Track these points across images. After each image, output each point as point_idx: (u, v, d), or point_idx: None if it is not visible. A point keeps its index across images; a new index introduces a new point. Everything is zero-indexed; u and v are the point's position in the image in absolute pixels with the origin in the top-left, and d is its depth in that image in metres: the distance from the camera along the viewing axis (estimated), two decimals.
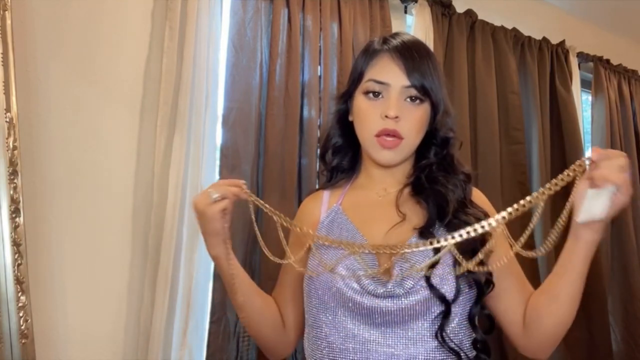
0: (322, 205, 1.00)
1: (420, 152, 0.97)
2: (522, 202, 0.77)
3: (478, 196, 0.97)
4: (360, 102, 0.93)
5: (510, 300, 0.92)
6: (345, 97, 0.98)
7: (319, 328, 0.89)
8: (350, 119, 0.97)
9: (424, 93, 0.90)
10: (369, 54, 0.95)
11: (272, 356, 1.04)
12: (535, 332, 0.88)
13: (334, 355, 0.86)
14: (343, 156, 1.02)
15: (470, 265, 0.77)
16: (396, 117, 0.88)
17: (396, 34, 0.96)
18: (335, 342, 0.86)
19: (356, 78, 0.95)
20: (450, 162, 0.95)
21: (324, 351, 0.87)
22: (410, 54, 0.90)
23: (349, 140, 0.99)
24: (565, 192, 0.83)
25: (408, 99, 0.90)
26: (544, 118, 2.34)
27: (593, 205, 0.76)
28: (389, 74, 0.90)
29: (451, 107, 0.97)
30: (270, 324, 1.00)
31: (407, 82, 0.89)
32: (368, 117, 0.91)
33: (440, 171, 0.94)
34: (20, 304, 1.19)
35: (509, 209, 0.77)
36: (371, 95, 0.91)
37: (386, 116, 0.88)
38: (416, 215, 0.91)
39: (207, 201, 0.85)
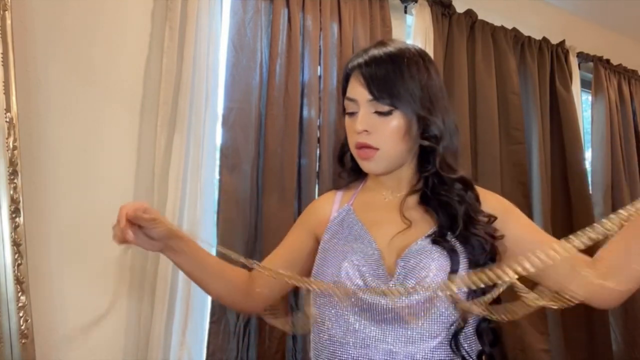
0: (334, 204, 1.04)
1: (422, 157, 0.98)
2: (596, 230, 0.68)
3: (483, 196, 0.96)
4: (345, 120, 0.98)
5: (556, 272, 0.88)
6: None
7: (322, 321, 0.91)
8: None
9: (390, 104, 0.91)
10: (346, 71, 0.99)
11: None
12: (617, 285, 0.87)
13: (334, 348, 0.88)
14: (355, 163, 1.05)
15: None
16: (365, 131, 0.91)
17: (367, 49, 0.97)
18: (336, 335, 0.88)
19: (342, 96, 1.00)
20: (445, 170, 0.95)
21: (325, 343, 0.90)
22: (374, 68, 0.92)
23: None
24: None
25: (377, 114, 0.92)
26: (544, 118, 2.35)
27: None
28: (355, 90, 0.94)
29: (437, 114, 0.95)
30: (226, 291, 1.04)
31: (369, 96, 0.91)
32: (349, 133, 0.97)
33: (440, 183, 0.94)
34: (20, 304, 1.19)
35: (581, 238, 0.68)
36: (349, 114, 0.96)
37: (356, 131, 0.92)
38: (422, 222, 0.93)
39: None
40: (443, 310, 0.85)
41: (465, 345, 0.86)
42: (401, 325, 0.85)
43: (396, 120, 0.92)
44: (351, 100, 0.94)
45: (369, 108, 0.92)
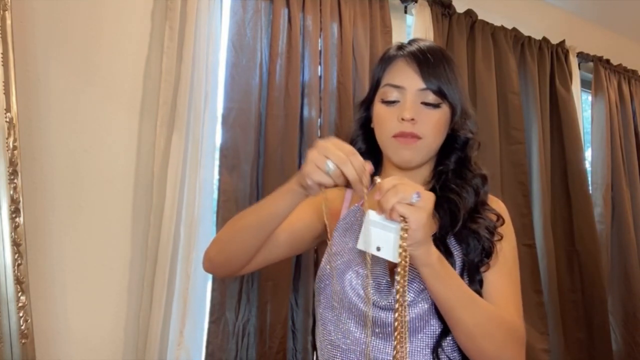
0: (345, 202, 1.02)
1: (440, 158, 0.97)
2: None
3: (497, 205, 0.96)
4: (379, 108, 0.94)
5: None
6: (366, 105, 0.99)
7: (324, 324, 0.92)
8: (372, 126, 0.98)
9: (440, 95, 0.90)
10: (385, 60, 0.96)
11: (218, 265, 0.98)
12: None
13: (335, 352, 0.88)
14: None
15: None
16: (412, 120, 0.89)
17: (413, 41, 0.97)
18: (337, 340, 0.88)
19: (374, 85, 0.97)
20: (467, 165, 0.96)
21: (328, 347, 0.91)
22: (425, 58, 0.91)
23: (371, 146, 1.00)
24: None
25: (423, 104, 0.91)
26: (544, 118, 2.34)
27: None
28: (404, 77, 0.91)
29: (471, 110, 0.98)
30: (258, 246, 0.93)
31: (422, 85, 0.90)
32: (386, 121, 0.92)
33: (456, 178, 0.94)
34: (20, 304, 1.19)
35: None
36: (388, 102, 0.93)
37: (402, 119, 0.89)
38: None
39: (320, 166, 0.74)
40: (441, 323, 0.84)
41: (448, 350, 0.85)
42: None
43: (441, 113, 0.92)
44: (396, 87, 0.91)
45: (418, 97, 0.90)
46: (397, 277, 0.69)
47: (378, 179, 0.73)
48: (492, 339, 0.79)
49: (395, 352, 0.70)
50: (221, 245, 0.94)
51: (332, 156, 0.73)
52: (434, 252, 0.74)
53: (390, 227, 0.70)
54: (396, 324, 0.70)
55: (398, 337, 0.70)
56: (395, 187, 0.69)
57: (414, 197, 0.69)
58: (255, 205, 0.90)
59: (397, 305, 0.69)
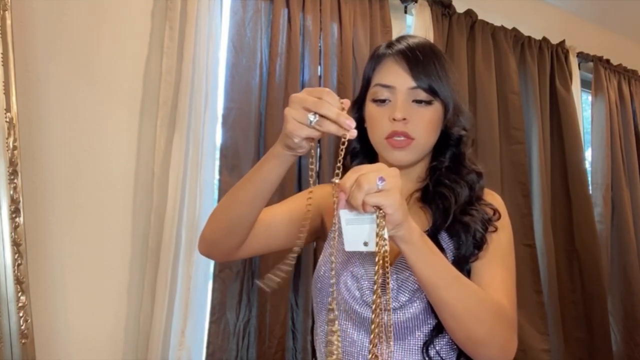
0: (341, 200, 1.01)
1: (434, 154, 0.96)
2: None
3: (492, 198, 0.95)
4: (370, 109, 0.93)
5: None
6: (358, 104, 0.98)
7: (321, 326, 0.91)
8: (365, 126, 0.97)
9: (431, 93, 0.89)
10: (374, 59, 0.95)
11: (213, 245, 0.95)
12: None
13: None
14: (362, 160, 1.01)
15: None
16: (404, 119, 0.87)
17: (402, 38, 0.95)
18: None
19: (365, 85, 0.96)
20: (461, 161, 0.95)
21: (324, 350, 0.89)
22: (415, 56, 0.90)
23: (365, 146, 0.99)
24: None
25: (415, 102, 0.89)
26: (544, 118, 2.35)
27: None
28: (394, 76, 0.90)
29: (463, 105, 0.96)
30: (252, 219, 0.90)
31: (412, 84, 0.89)
32: (377, 122, 0.91)
33: (450, 173, 0.93)
34: (20, 304, 1.19)
35: None
36: (379, 101, 0.91)
37: (394, 119, 0.87)
38: (420, 222, 0.90)
39: (302, 120, 0.72)
40: (437, 322, 0.84)
41: (443, 352, 0.85)
42: (397, 338, 0.84)
43: (433, 111, 0.90)
44: (387, 87, 0.90)
45: (408, 96, 0.89)
46: (376, 267, 0.66)
47: (336, 180, 0.70)
48: (481, 320, 0.75)
49: (371, 345, 0.67)
50: (214, 223, 0.91)
51: (308, 104, 0.70)
52: (415, 229, 0.71)
53: (367, 218, 0.68)
54: (373, 315, 0.66)
55: (376, 330, 0.66)
56: (357, 182, 0.65)
57: (378, 184, 0.65)
58: (244, 177, 0.87)
59: (374, 296, 0.66)
